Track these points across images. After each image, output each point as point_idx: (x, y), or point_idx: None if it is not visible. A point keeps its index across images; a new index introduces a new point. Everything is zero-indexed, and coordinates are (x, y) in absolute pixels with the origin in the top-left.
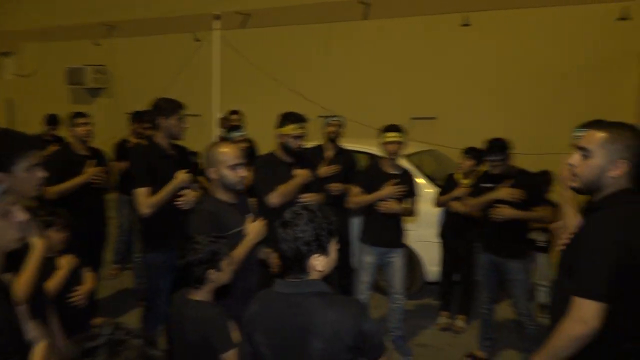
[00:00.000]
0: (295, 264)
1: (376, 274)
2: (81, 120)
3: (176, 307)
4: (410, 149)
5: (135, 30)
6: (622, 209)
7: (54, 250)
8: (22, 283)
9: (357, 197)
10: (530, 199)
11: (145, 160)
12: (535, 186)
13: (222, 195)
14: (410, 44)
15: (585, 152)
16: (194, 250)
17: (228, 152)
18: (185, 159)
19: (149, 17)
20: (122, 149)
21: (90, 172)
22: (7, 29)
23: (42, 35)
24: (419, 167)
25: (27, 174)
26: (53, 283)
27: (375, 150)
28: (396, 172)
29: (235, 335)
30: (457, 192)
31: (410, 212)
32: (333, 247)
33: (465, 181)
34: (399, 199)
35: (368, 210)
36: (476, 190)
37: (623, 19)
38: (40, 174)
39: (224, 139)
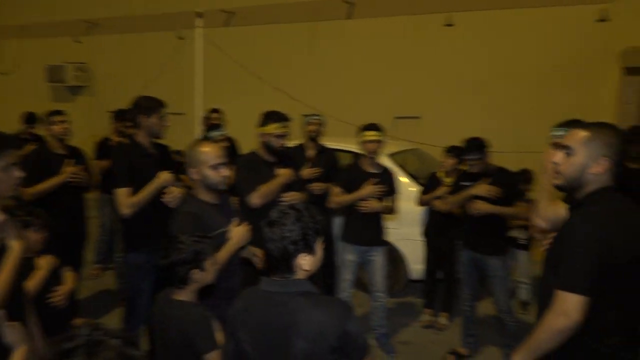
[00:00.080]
0: (282, 263)
1: (358, 272)
2: (58, 118)
3: (159, 307)
4: (394, 147)
5: (117, 28)
6: (604, 207)
7: (33, 251)
8: None
9: (337, 197)
10: (507, 196)
11: (126, 160)
12: (513, 183)
13: (205, 196)
14: (394, 43)
15: (568, 150)
16: (177, 250)
17: (209, 152)
18: (168, 157)
19: (130, 14)
20: (104, 148)
21: (68, 172)
22: None
23: (21, 32)
24: (403, 166)
25: (4, 173)
26: (32, 283)
27: (357, 148)
28: (376, 171)
29: (219, 335)
30: (439, 191)
31: (390, 210)
32: (319, 246)
33: (448, 179)
34: (380, 198)
35: (349, 210)
36: (456, 189)
37: (602, 20)
38: (18, 173)
39: (204, 138)
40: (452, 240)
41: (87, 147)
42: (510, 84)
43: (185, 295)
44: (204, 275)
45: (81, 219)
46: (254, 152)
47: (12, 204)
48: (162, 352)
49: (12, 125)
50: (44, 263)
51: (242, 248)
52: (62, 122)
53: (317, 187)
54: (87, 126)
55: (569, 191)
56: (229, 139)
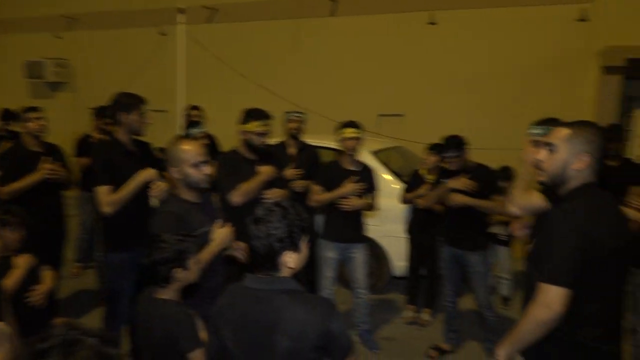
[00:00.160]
0: (267, 260)
1: (340, 269)
2: (34, 114)
3: (142, 307)
4: (378, 145)
5: (98, 24)
6: (585, 202)
7: (10, 250)
8: None
9: (318, 195)
10: (485, 191)
11: (106, 157)
12: (491, 179)
13: (186, 195)
14: (377, 41)
15: (551, 147)
16: (160, 249)
17: (190, 150)
18: (149, 155)
19: (112, 9)
20: (84, 145)
21: (45, 169)
22: None
23: None
24: (386, 164)
25: None
26: (9, 282)
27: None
28: (355, 169)
29: (203, 334)
30: (421, 189)
31: (371, 207)
32: (305, 244)
33: (430, 177)
34: (359, 195)
35: (329, 207)
36: (437, 186)
37: (582, 20)
38: None
39: (184, 136)
40: (435, 237)
41: (68, 144)
42: (492, 82)
43: (168, 294)
44: (187, 274)
45: (60, 217)
46: (235, 149)
47: None
48: (146, 351)
49: None
50: (22, 262)
51: (225, 249)
52: (38, 118)
53: (298, 184)
54: (67, 123)
55: (552, 187)
56: (209, 136)
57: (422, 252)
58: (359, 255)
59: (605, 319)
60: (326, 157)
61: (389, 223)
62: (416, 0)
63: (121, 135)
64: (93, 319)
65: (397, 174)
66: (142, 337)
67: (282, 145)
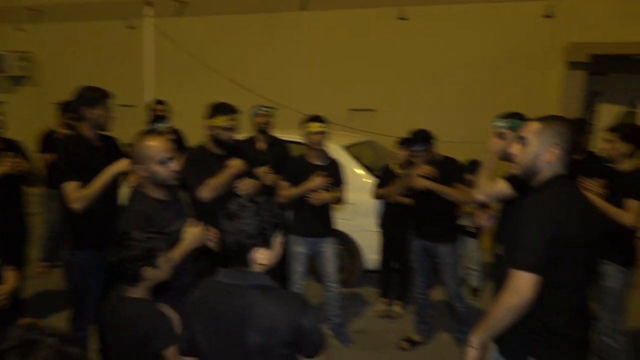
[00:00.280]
0: (238, 256)
1: (311, 263)
2: None
3: (111, 305)
4: (349, 139)
5: (64, 16)
6: (555, 192)
7: None
8: None
9: (285, 190)
10: (450, 181)
11: (71, 153)
12: (456, 170)
13: (154, 193)
14: (348, 36)
15: (523, 141)
16: (128, 247)
17: (156, 146)
18: (115, 150)
19: (78, 2)
20: (49, 140)
21: (6, 163)
22: None
23: None
24: (358, 158)
25: None
26: None
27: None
28: (322, 163)
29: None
30: (393, 185)
31: (339, 201)
32: (277, 241)
33: (402, 171)
34: (327, 189)
35: (297, 202)
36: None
37: (547, 16)
38: None
39: (149, 131)
40: (407, 231)
41: (33, 139)
42: (462, 77)
43: (138, 292)
44: (157, 272)
45: (22, 214)
46: (202, 145)
47: None
48: (115, 350)
49: None
50: None
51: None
52: None
53: (270, 178)
54: (32, 118)
55: (525, 179)
56: (175, 131)
57: (394, 246)
58: (328, 249)
59: (574, 306)
60: (298, 152)
61: (360, 217)
62: None
63: (86, 130)
64: (60, 319)
65: (368, 168)
66: (111, 336)
67: (251, 140)
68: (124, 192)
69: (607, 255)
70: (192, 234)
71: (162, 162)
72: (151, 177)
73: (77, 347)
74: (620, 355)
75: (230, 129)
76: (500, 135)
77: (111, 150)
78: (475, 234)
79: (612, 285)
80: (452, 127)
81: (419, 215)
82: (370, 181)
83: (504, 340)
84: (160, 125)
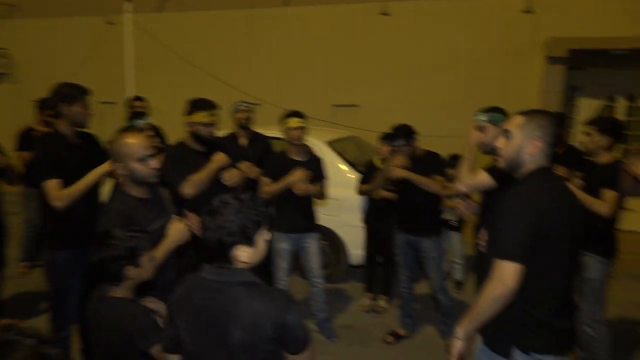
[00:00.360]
0: (219, 253)
1: (295, 259)
2: None
3: (93, 305)
4: (332, 135)
5: (41, 11)
6: (539, 183)
7: None
8: None
9: (267, 186)
10: (431, 173)
11: (50, 151)
12: (437, 163)
13: (134, 191)
14: (331, 32)
15: (507, 134)
16: (110, 246)
17: (135, 144)
18: (94, 147)
19: None
20: (27, 138)
21: None
22: None
23: None
24: (342, 154)
25: None
26: None
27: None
28: (302, 159)
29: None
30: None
31: (322, 195)
32: (261, 238)
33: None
34: (309, 183)
35: (279, 199)
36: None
37: (527, 12)
38: None
39: (128, 128)
40: (391, 226)
41: (10, 137)
42: (444, 71)
43: (120, 292)
44: (140, 271)
45: (0, 213)
46: (182, 142)
47: None
48: (99, 350)
49: None
50: None
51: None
52: None
53: (253, 171)
54: (10, 116)
55: (509, 171)
56: (155, 128)
57: (378, 241)
58: (312, 245)
59: (558, 296)
60: (281, 148)
61: (345, 213)
62: None
63: (64, 127)
64: (41, 320)
65: (352, 163)
66: (94, 336)
67: (232, 136)
68: (106, 191)
69: (587, 246)
70: (177, 230)
71: (142, 160)
72: (130, 175)
73: (56, 348)
74: (600, 345)
75: (210, 125)
76: (481, 129)
77: (90, 147)
78: (458, 227)
79: (592, 276)
80: (434, 122)
81: (403, 210)
82: (353, 177)
83: (489, 330)
84: (140, 122)
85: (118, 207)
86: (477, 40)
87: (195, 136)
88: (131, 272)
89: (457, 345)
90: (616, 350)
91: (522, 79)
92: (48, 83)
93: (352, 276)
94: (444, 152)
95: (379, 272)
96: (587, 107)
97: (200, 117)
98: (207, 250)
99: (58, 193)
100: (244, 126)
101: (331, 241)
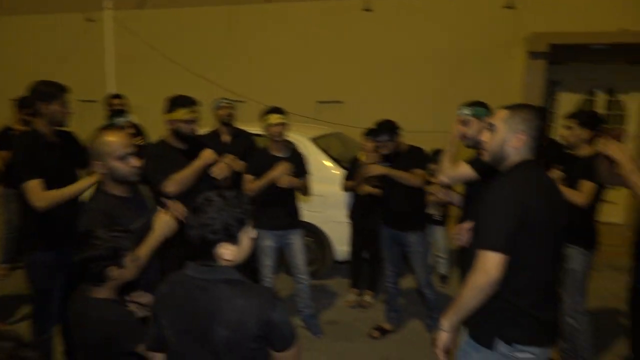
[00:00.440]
0: (202, 250)
1: (280, 256)
2: None
3: (76, 306)
4: (317, 131)
5: (20, 8)
6: (522, 175)
7: None
8: None
9: (251, 184)
10: (413, 168)
11: (29, 151)
12: (421, 158)
13: (114, 190)
14: (313, 28)
15: (491, 128)
16: (92, 246)
17: (115, 142)
18: (74, 145)
19: None
20: (5, 138)
21: None
22: None
23: None
24: (326, 150)
25: None
26: None
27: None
28: (284, 155)
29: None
30: (358, 176)
31: (306, 190)
32: (245, 236)
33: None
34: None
35: (262, 196)
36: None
37: (509, 7)
38: None
39: (107, 126)
40: (376, 221)
41: None
42: (426, 67)
43: (103, 293)
44: (123, 272)
45: None
46: (163, 140)
47: None
48: (83, 351)
49: None
50: None
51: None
52: None
53: (238, 165)
54: None
55: (494, 165)
56: (135, 126)
57: (364, 236)
58: (296, 241)
59: (541, 287)
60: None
61: (330, 209)
62: None
63: (42, 126)
64: (23, 322)
65: (336, 160)
66: (77, 337)
67: (215, 133)
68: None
69: (568, 237)
70: (163, 222)
71: (122, 158)
72: (110, 173)
73: (35, 351)
74: (582, 336)
75: (191, 122)
76: (465, 122)
77: (69, 146)
78: (442, 221)
79: (573, 267)
80: (418, 117)
81: (388, 206)
82: (338, 173)
83: (473, 322)
84: (120, 120)
85: (99, 206)
86: (459, 35)
87: (177, 134)
88: (114, 272)
89: (443, 337)
90: (597, 340)
91: (504, 74)
92: (27, 81)
93: (337, 272)
94: (427, 147)
95: (364, 268)
96: (567, 101)
97: (181, 114)
98: (191, 248)
99: (41, 194)
100: (226, 123)
101: (316, 237)
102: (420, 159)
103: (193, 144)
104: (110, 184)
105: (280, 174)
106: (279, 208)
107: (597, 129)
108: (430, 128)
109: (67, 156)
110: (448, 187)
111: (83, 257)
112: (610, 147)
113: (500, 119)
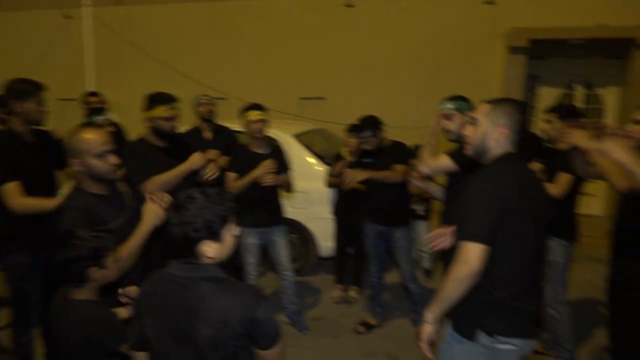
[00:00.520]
0: (185, 248)
1: (264, 253)
2: None
3: (57, 308)
4: (300, 128)
5: None
6: (504, 167)
7: None
8: None
9: (233, 182)
10: (395, 163)
11: (5, 151)
12: (404, 154)
13: (93, 188)
14: (295, 24)
15: (474, 121)
16: (73, 247)
17: (93, 139)
18: (51, 145)
19: None
20: None
21: None
22: None
23: None
24: (309, 146)
25: None
26: None
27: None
28: (265, 152)
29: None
30: (338, 167)
31: (289, 186)
32: (228, 234)
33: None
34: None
35: (244, 193)
36: (356, 166)
37: (489, 2)
38: None
39: (86, 124)
40: (361, 217)
41: None
42: (408, 63)
43: (84, 294)
44: (105, 272)
45: None
46: (143, 138)
47: None
48: (65, 353)
49: None
50: None
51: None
52: None
53: (222, 160)
54: None
55: (476, 158)
56: (115, 124)
57: (348, 232)
58: (279, 238)
59: (523, 279)
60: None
61: (313, 205)
62: None
63: (17, 125)
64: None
65: (320, 156)
66: (59, 339)
67: (196, 130)
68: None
69: (550, 229)
70: (151, 211)
71: (100, 156)
72: (89, 171)
73: (12, 357)
74: (562, 326)
75: (171, 119)
76: (448, 116)
77: (47, 145)
78: (425, 216)
79: (554, 259)
80: (400, 112)
81: (372, 201)
82: (322, 169)
83: (456, 313)
84: (99, 118)
85: (77, 205)
86: (440, 31)
87: (156, 131)
88: (95, 273)
89: (427, 329)
90: (577, 330)
91: (484, 68)
92: (3, 80)
93: (321, 268)
94: (410, 142)
95: (349, 264)
96: (547, 96)
97: (161, 111)
98: (173, 246)
99: (19, 199)
100: (207, 119)
101: (300, 234)
102: (403, 154)
103: (173, 142)
104: (88, 182)
105: (263, 172)
106: (262, 205)
107: (571, 122)
108: (412, 123)
109: (44, 156)
110: (428, 178)
111: (64, 257)
112: (575, 137)
113: (482, 112)
